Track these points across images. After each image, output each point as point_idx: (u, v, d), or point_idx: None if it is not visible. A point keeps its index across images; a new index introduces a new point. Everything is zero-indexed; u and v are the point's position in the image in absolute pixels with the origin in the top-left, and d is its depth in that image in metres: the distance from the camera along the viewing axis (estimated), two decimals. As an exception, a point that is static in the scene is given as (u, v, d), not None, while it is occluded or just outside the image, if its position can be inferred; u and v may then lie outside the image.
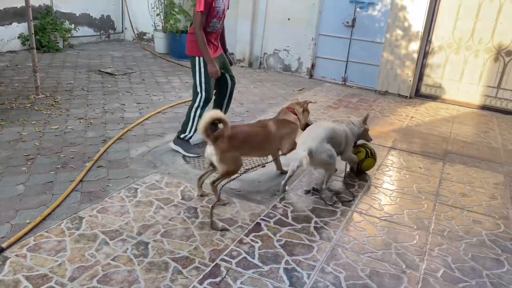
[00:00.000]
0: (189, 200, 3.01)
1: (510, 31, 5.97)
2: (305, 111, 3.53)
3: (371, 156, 3.66)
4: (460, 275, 2.43)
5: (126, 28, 9.21)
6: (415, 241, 2.73)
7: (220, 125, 2.96)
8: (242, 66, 7.89)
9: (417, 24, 6.28)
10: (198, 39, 3.59)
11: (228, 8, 3.88)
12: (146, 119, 4.62)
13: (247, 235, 2.64)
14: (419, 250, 2.64)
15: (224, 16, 3.87)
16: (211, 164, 3.00)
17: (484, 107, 6.35)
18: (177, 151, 3.84)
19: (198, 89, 3.87)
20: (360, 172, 3.67)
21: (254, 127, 3.34)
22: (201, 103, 3.87)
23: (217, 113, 2.82)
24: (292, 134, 3.40)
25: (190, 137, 3.89)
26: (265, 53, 7.84)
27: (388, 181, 3.61)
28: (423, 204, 3.23)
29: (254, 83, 6.81)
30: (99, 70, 6.52)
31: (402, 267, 2.45)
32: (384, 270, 2.42)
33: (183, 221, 2.75)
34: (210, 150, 2.91)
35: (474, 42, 6.20)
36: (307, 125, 3.51)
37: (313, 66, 7.49)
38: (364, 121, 3.66)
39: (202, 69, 3.80)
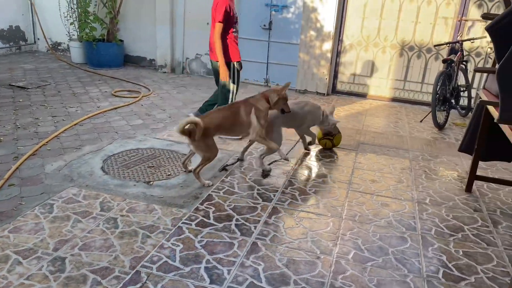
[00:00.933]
0: (108, 211, 2.98)
1: (410, 28, 6.50)
2: (282, 98, 3.67)
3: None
4: (369, 255, 2.65)
5: (39, 39, 8.76)
6: (329, 228, 2.92)
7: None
8: (165, 72, 7.84)
9: (328, 25, 6.63)
10: (218, 46, 4.33)
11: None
12: (62, 132, 4.45)
13: (168, 239, 2.67)
14: (333, 235, 2.83)
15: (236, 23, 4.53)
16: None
17: (394, 99, 6.85)
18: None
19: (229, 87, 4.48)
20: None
21: (225, 111, 3.63)
22: (234, 98, 4.50)
23: (192, 119, 3.28)
24: (260, 120, 3.60)
25: None
26: (187, 58, 7.85)
27: (306, 174, 3.81)
28: (337, 193, 3.46)
29: (177, 88, 6.80)
30: (10, 84, 6.15)
31: (317, 253, 2.62)
32: (300, 257, 2.57)
33: (102, 232, 2.72)
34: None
35: (380, 39, 6.68)
36: (282, 111, 3.75)
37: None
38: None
39: (233, 72, 4.52)
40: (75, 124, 4.71)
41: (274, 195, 3.35)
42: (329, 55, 6.78)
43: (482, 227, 3.08)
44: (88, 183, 3.39)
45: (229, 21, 4.24)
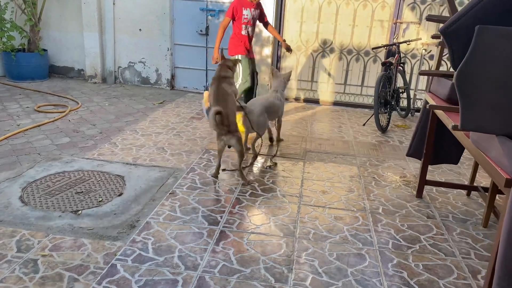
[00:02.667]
0: (27, 251, 2.53)
1: (347, 31, 6.49)
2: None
3: None
4: (328, 279, 2.43)
5: None
6: (282, 250, 2.68)
7: None
8: (95, 83, 7.28)
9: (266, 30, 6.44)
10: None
11: (257, 18, 5.25)
12: (-28, 157, 3.87)
13: (99, 282, 2.29)
14: (287, 259, 2.59)
15: (254, 24, 5.25)
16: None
17: (335, 103, 6.81)
18: None
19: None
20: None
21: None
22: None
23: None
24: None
25: None
26: (119, 67, 7.34)
27: (253, 189, 3.55)
28: (288, 209, 3.23)
29: (109, 99, 6.29)
30: None
31: (272, 283, 2.36)
32: (253, 290, 2.30)
33: (18, 280, 2.28)
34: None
35: (319, 43, 6.61)
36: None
37: (173, 77, 7.24)
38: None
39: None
40: (-12, 147, 4.13)
41: (221, 217, 3.06)
42: (269, 60, 6.60)
43: (437, 235, 2.98)
44: (3, 218, 2.90)
45: (237, 19, 5.13)
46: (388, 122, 5.54)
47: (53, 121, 5.08)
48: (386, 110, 5.51)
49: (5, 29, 6.74)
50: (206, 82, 7.14)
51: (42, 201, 3.19)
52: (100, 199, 3.26)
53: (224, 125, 3.46)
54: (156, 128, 5.05)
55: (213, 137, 4.75)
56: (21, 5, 6.81)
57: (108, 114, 5.56)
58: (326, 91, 6.82)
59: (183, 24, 6.93)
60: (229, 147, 3.64)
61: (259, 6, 5.20)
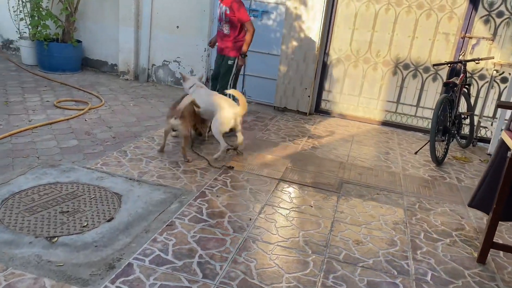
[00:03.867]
0: (-31, 292, 2.02)
1: (406, 43, 5.68)
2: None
3: None
4: None
5: (-12, 35, 7.73)
6: (291, 330, 2.01)
7: None
8: (127, 79, 6.88)
9: (313, 35, 5.77)
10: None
11: (228, 13, 4.75)
12: (-36, 155, 3.48)
13: None
14: None
15: (225, 20, 4.82)
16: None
17: (384, 123, 6.01)
18: None
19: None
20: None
21: None
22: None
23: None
24: None
25: None
26: (153, 65, 6.91)
27: (270, 229, 2.89)
28: (309, 263, 2.54)
29: (135, 99, 5.85)
30: None
31: None
32: None
33: None
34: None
35: (372, 54, 5.84)
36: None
37: (208, 79, 6.70)
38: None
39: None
40: (-13, 145, 3.73)
41: (222, 267, 2.42)
42: (313, 69, 5.91)
43: (506, 328, 2.20)
44: (-37, 240, 2.42)
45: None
46: (446, 152, 4.69)
47: (67, 119, 4.66)
48: (444, 138, 4.67)
49: (41, 17, 6.48)
50: (243, 87, 6.54)
51: (18, 219, 2.70)
52: (85, 224, 2.73)
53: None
54: (176, 138, 4.50)
55: (236, 154, 4.14)
56: (59, -7, 6.53)
57: (130, 116, 5.09)
58: (374, 108, 6.03)
59: (223, 23, 6.38)
60: (174, 130, 4.06)
61: (231, 4, 4.67)
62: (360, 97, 6.05)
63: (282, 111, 6.18)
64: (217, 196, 3.25)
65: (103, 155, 3.83)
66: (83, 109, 5.02)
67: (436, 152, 4.53)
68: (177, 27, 6.59)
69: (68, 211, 2.85)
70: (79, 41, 6.87)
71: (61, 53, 6.61)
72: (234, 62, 4.92)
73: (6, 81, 5.89)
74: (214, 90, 4.91)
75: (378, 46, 5.80)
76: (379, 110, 6.02)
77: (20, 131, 4.11)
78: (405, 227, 3.14)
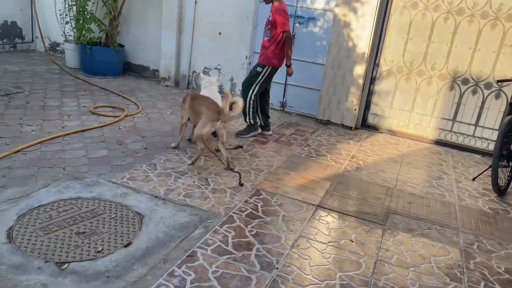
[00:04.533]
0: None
1: (466, 56, 5.14)
2: None
3: None
4: None
5: (37, 37, 7.88)
6: None
7: None
8: (167, 86, 6.75)
9: (363, 44, 5.36)
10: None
11: (270, 19, 4.58)
12: (-9, 163, 3.37)
13: None
14: None
15: (267, 27, 4.66)
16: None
17: (438, 142, 5.48)
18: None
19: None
20: None
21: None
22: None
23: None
24: None
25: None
26: (194, 71, 6.73)
27: (303, 268, 2.54)
28: (346, 315, 2.18)
29: (173, 107, 5.67)
30: (-26, 89, 5.20)
31: None
32: None
33: None
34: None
35: (427, 67, 5.34)
36: None
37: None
38: None
39: None
40: (15, 152, 3.62)
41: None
42: (361, 81, 5.49)
43: None
44: (-30, 261, 2.26)
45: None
46: (510, 181, 4.14)
47: (100, 126, 4.53)
48: (508, 165, 4.12)
49: (85, 21, 6.47)
50: (284, 97, 6.23)
51: (32, 239, 2.52)
52: (100, 249, 2.50)
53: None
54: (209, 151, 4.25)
55: (270, 173, 3.82)
56: (103, -3, 6.50)
57: (165, 125, 4.90)
58: (427, 125, 5.51)
59: (267, 30, 6.09)
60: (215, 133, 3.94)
61: (275, 10, 4.52)
62: (412, 112, 5.55)
63: (325, 124, 5.80)
64: (245, 223, 2.93)
65: (131, 167, 3.63)
66: (118, 116, 4.88)
67: (499, 180, 3.99)
68: (219, 33, 6.38)
69: (84, 232, 2.64)
70: (121, 46, 6.82)
71: (103, 57, 6.58)
72: (262, 70, 4.68)
73: (48, 84, 5.89)
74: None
75: (434, 58, 5.29)
76: (432, 127, 5.50)
77: (51, 139, 4.00)
78: (462, 273, 2.69)
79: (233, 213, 3.05)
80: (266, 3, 4.70)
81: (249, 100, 4.75)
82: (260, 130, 4.93)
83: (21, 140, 3.90)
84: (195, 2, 6.35)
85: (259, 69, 4.68)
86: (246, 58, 6.29)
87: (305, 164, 4.17)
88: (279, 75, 6.05)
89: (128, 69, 7.18)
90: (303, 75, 6.01)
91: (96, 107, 5.13)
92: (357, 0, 5.26)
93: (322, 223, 3.08)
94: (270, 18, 4.56)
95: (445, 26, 5.14)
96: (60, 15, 6.89)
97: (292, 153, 4.48)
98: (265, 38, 4.68)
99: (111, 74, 6.75)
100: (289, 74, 4.77)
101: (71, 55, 6.97)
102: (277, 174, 3.84)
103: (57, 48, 7.79)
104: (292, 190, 3.52)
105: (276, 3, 4.52)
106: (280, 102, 6.26)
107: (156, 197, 3.16)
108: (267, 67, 4.64)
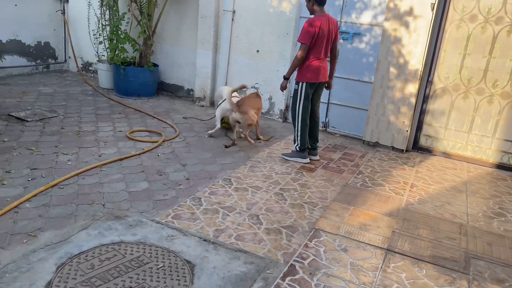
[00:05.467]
0: None
1: (534, 71, 4.67)
2: None
3: None
4: None
5: (70, 57, 7.78)
6: None
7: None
8: (202, 106, 6.48)
9: (416, 61, 4.95)
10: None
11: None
12: (26, 200, 3.12)
13: None
14: None
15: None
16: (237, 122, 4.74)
17: (500, 166, 4.98)
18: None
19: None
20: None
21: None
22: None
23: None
24: None
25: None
26: (230, 91, 6.43)
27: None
28: None
29: (210, 130, 5.37)
30: (8, 114, 5.02)
31: None
32: None
33: None
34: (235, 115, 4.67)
35: (487, 84, 4.88)
36: None
37: (287, 107, 6.11)
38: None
39: None
40: (52, 186, 3.37)
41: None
42: (413, 100, 5.07)
43: None
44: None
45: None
46: None
47: (138, 154, 4.26)
48: None
49: (119, 40, 6.29)
50: (326, 117, 5.86)
51: None
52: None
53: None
54: (255, 179, 3.91)
55: (326, 207, 3.44)
56: (137, 16, 6.31)
57: (205, 151, 4.60)
58: (488, 148, 5.03)
59: (308, 47, 5.77)
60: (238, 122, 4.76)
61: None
62: (469, 134, 5.09)
63: (373, 147, 5.39)
64: (310, 274, 2.56)
65: (175, 203, 3.32)
66: (156, 142, 4.62)
67: None
68: (257, 51, 6.08)
69: (130, 287, 2.32)
70: (155, 65, 6.61)
71: (137, 77, 6.37)
72: (298, 87, 4.38)
73: (82, 107, 5.70)
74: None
75: (495, 75, 4.83)
76: (493, 150, 5.01)
77: (88, 170, 3.74)
78: None
79: (294, 260, 2.68)
80: (310, 14, 4.37)
81: (296, 123, 4.42)
82: (308, 160, 4.56)
83: (57, 172, 3.65)
84: (232, 20, 6.09)
85: (295, 86, 4.40)
86: (286, 77, 5.95)
87: (362, 196, 3.77)
88: (323, 93, 5.71)
89: (162, 88, 6.96)
90: (348, 94, 5.64)
91: (132, 132, 4.88)
92: (409, 14, 4.88)
93: (397, 272, 2.67)
94: None
95: (509, 40, 4.69)
96: (93, 35, 6.74)
97: (345, 182, 4.09)
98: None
99: (145, 94, 6.53)
100: (281, 86, 4.48)
101: (104, 76, 6.80)
102: (334, 209, 3.45)
103: (90, 68, 7.66)
104: (355, 230, 3.13)
105: (313, 16, 4.21)
106: (322, 122, 5.89)
107: (205, 240, 2.83)
108: (301, 83, 4.34)
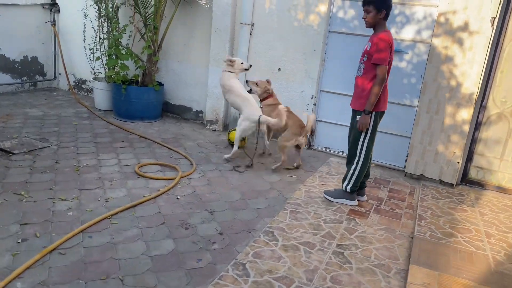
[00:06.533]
0: None
1: None
2: None
3: None
4: None
5: (60, 74, 6.94)
6: None
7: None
8: (214, 130, 5.71)
9: (470, 83, 4.31)
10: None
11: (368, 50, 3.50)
12: (16, 277, 2.29)
13: None
14: None
15: (362, 60, 3.60)
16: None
17: None
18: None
19: None
20: None
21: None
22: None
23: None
24: None
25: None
26: (245, 113, 5.69)
27: None
28: None
29: (231, 162, 4.61)
30: (-10, 145, 4.18)
31: None
32: None
33: None
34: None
35: (552, 110, 4.26)
36: None
37: (312, 132, 5.39)
38: None
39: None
40: (50, 252, 2.55)
41: None
42: (466, 127, 4.41)
43: None
44: None
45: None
46: None
47: (154, 197, 3.47)
48: None
49: (119, 56, 5.51)
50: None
51: None
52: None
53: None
54: (303, 232, 3.16)
55: (402, 270, 2.69)
56: (141, 29, 5.54)
57: (231, 190, 3.83)
58: (551, 182, 4.39)
59: (338, 64, 5.09)
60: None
61: (376, 40, 3.43)
62: (531, 166, 4.45)
63: (417, 180, 4.70)
64: None
65: (213, 273, 2.53)
66: (172, 179, 3.83)
67: None
68: (279, 69, 5.37)
69: None
70: (161, 84, 5.83)
71: (140, 98, 5.58)
72: (368, 118, 3.56)
73: (78, 133, 4.88)
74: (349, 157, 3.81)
75: (563, 99, 4.21)
76: (559, 185, 4.38)
77: (95, 223, 2.93)
78: None
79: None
80: (366, 27, 3.64)
81: (356, 160, 3.68)
82: (357, 202, 3.82)
83: (55, 227, 2.84)
84: (250, 34, 5.38)
85: (358, 118, 3.62)
86: (312, 98, 5.25)
87: (440, 253, 3.04)
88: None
89: (166, 110, 6.17)
90: (387, 119, 4.92)
91: (141, 166, 4.09)
92: (463, 29, 4.24)
93: None
94: (368, 48, 3.51)
95: None
96: (90, 49, 5.94)
97: (409, 231, 3.37)
98: (358, 74, 3.64)
99: (149, 117, 5.74)
100: (360, 123, 3.54)
101: (100, 95, 5.99)
102: (416, 276, 2.71)
103: (83, 86, 6.83)
104: None
105: (380, 30, 3.49)
106: (354, 151, 5.18)
107: (268, 336, 2.05)
108: (372, 113, 3.56)
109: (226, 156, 4.57)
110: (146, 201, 3.39)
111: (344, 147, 5.17)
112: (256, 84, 4.76)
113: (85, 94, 6.80)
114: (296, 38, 5.17)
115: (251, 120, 4.40)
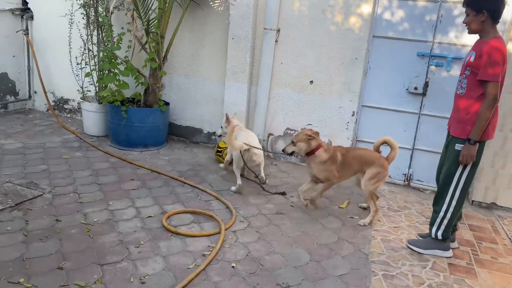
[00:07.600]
0: None
1: None
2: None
3: None
4: None
5: (36, 92, 5.83)
6: None
7: None
8: (234, 156, 4.80)
9: (556, 95, 3.64)
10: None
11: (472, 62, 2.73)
12: None
13: None
14: None
15: (465, 74, 2.83)
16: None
17: None
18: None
19: None
20: None
21: None
22: None
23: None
24: None
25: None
26: (270, 134, 4.85)
27: None
28: None
29: (271, 201, 3.74)
30: (-39, 199, 3.11)
31: None
32: None
33: None
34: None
35: None
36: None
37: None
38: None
39: None
40: None
41: None
42: (547, 148, 3.74)
43: None
44: None
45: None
46: None
47: (204, 268, 2.55)
48: None
49: (116, 72, 4.52)
50: (409, 168, 4.42)
51: None
52: None
53: None
54: (416, 309, 2.34)
55: None
56: (141, 38, 4.56)
57: (293, 246, 2.98)
58: None
59: (384, 76, 4.33)
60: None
61: (483, 49, 2.66)
62: None
63: (487, 209, 4.00)
64: None
65: None
66: (216, 233, 2.93)
67: None
68: (311, 82, 4.55)
69: None
70: (166, 103, 4.87)
71: (144, 122, 4.60)
72: (474, 148, 2.79)
73: (73, 171, 3.86)
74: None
75: None
76: None
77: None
78: None
79: None
80: (469, 33, 2.87)
81: (450, 198, 2.90)
82: (451, 252, 3.04)
83: None
84: (276, 41, 4.53)
85: (458, 147, 2.84)
86: (353, 115, 4.47)
87: None
88: (405, 136, 4.31)
89: (170, 132, 5.20)
90: (441, 137, 4.21)
91: (169, 216, 3.15)
92: (547, 32, 3.57)
93: None
94: (472, 59, 2.74)
95: None
96: (78, 64, 4.89)
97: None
98: (458, 92, 2.87)
99: (154, 144, 4.76)
100: (462, 155, 2.78)
101: (91, 119, 4.95)
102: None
103: (65, 106, 5.73)
104: None
105: (489, 37, 2.73)
106: (404, 175, 4.45)
107: None
108: (478, 143, 2.79)
109: (233, 188, 3.82)
110: (195, 277, 2.47)
111: (394, 171, 4.41)
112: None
113: (68, 115, 5.72)
114: (333, 45, 4.37)
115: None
